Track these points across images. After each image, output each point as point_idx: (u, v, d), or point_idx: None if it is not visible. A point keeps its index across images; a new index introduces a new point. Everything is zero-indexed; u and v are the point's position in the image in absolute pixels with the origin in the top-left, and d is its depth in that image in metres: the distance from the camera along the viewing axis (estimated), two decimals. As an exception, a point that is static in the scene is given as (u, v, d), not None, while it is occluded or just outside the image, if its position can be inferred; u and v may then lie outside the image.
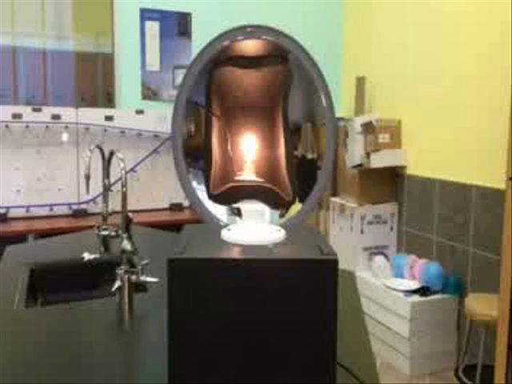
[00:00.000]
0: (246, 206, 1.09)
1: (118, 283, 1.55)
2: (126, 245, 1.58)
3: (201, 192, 1.30)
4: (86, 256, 2.00)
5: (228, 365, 0.86)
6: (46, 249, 2.38)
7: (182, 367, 0.86)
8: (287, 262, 0.85)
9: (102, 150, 1.99)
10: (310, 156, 1.31)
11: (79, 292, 2.08)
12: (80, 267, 2.10)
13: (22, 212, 3.69)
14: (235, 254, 0.91)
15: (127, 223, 1.56)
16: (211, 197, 1.28)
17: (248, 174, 1.18)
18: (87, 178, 1.95)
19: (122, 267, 1.58)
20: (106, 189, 1.87)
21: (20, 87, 4.15)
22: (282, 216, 1.30)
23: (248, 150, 1.20)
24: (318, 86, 1.23)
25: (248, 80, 1.22)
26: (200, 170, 1.32)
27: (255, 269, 0.85)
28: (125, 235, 1.58)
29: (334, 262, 0.82)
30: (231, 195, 1.22)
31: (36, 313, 1.66)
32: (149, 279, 1.59)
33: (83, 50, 4.28)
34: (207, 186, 1.28)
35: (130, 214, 1.57)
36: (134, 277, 1.59)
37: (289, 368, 0.86)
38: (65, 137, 3.78)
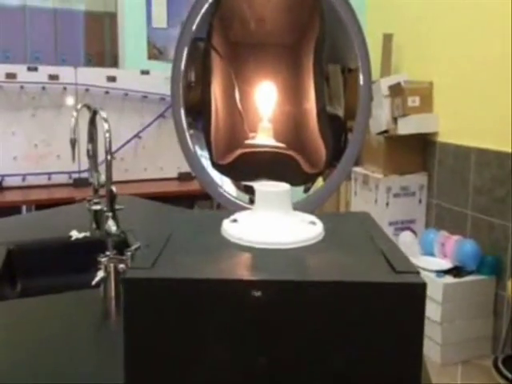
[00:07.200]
0: (261, 184, 0.75)
1: (100, 274, 1.25)
2: (111, 226, 1.27)
3: (205, 159, 1.01)
4: (75, 234, 1.73)
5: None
6: (29, 225, 2.06)
7: None
8: (336, 288, 0.46)
9: (90, 110, 1.69)
10: (339, 113, 0.98)
11: (65, 277, 1.78)
12: (67, 247, 1.80)
13: (18, 181, 3.41)
14: (241, 269, 0.52)
15: (111, 200, 1.25)
16: (215, 166, 0.98)
17: (263, 136, 0.86)
18: (73, 142, 1.65)
19: (107, 253, 1.28)
20: (90, 156, 1.55)
21: (28, 48, 3.90)
22: (306, 190, 1.00)
23: (264, 104, 0.87)
24: (349, 28, 0.91)
25: (264, 1, 0.87)
26: (202, 131, 1.03)
27: (276, 298, 0.46)
28: (109, 214, 1.27)
29: (422, 288, 0.46)
30: (241, 165, 0.91)
31: (9, 308, 1.36)
32: (140, 269, 1.28)
33: (92, 9, 4.01)
34: (209, 151, 0.98)
35: (113, 189, 1.26)
36: (121, 265, 1.29)
37: None
38: (70, 100, 3.46)
